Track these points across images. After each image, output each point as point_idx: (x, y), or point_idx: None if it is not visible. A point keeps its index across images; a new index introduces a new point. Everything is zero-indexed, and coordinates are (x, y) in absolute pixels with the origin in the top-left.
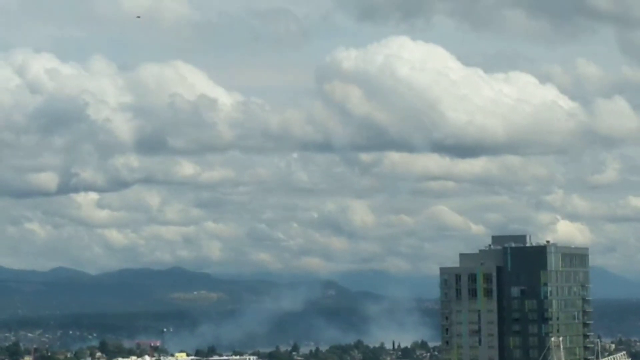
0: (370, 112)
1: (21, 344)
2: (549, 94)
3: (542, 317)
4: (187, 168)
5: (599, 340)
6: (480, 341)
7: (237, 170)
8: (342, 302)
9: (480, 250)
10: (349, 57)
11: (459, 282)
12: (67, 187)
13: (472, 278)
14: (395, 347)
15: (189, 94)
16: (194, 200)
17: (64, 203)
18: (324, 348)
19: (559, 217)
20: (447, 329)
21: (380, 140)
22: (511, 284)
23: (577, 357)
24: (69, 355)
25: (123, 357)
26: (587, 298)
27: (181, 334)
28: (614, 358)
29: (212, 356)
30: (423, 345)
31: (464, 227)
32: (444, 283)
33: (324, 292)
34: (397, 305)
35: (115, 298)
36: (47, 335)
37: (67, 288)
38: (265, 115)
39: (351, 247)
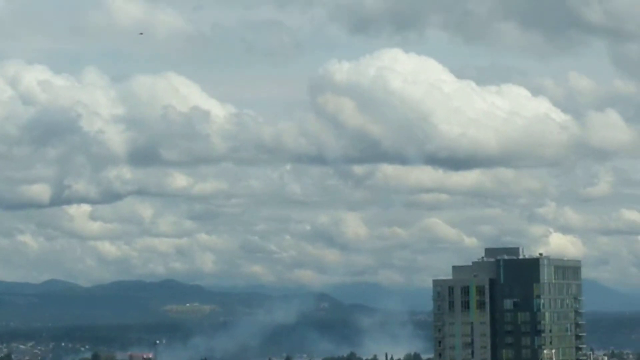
0: (363, 125)
1: (14, 356)
2: (542, 106)
3: (535, 330)
4: (179, 180)
5: (591, 352)
6: (473, 353)
7: (230, 182)
8: (335, 315)
9: (473, 263)
10: (341, 70)
11: (452, 295)
12: (60, 199)
13: (465, 290)
14: (388, 359)
15: (182, 105)
16: (187, 212)
17: (56, 215)
18: None
19: (551, 229)
20: (440, 342)
21: (373, 152)
22: (504, 296)
23: None
24: None
25: None
26: (579, 310)
27: (174, 346)
28: None
29: None
30: (416, 357)
31: (457, 239)
32: (437, 295)
33: (317, 304)
34: (390, 318)
35: (108, 310)
36: (39, 348)
37: (59, 300)
38: (258, 127)
39: (344, 260)
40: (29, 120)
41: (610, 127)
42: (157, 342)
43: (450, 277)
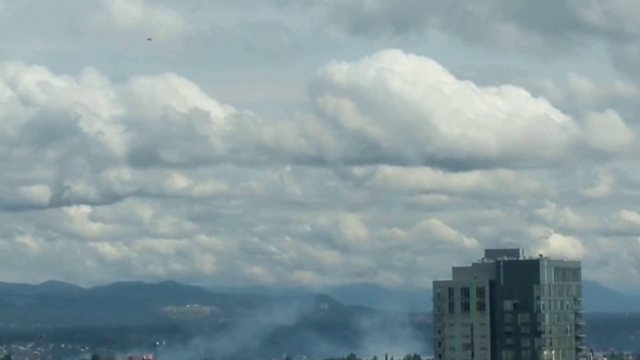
0: (362, 126)
1: (13, 357)
2: (542, 107)
3: (535, 331)
4: (179, 181)
5: (591, 354)
6: (473, 355)
7: (230, 183)
8: (335, 316)
9: (473, 264)
10: (340, 71)
11: (451, 296)
12: (60, 200)
13: (465, 292)
14: None
15: (182, 106)
16: (187, 214)
17: (56, 216)
18: None
19: (551, 230)
20: (440, 343)
21: (373, 153)
22: (504, 297)
23: None
24: None
25: None
26: (579, 312)
27: (174, 348)
28: None
29: None
30: (416, 359)
31: (457, 240)
32: (437, 297)
33: (316, 305)
34: (390, 319)
35: (108, 311)
36: (39, 349)
37: (59, 301)
38: (258, 129)
39: (344, 261)
40: (29, 121)
41: (610, 128)
42: (157, 343)
43: (450, 279)
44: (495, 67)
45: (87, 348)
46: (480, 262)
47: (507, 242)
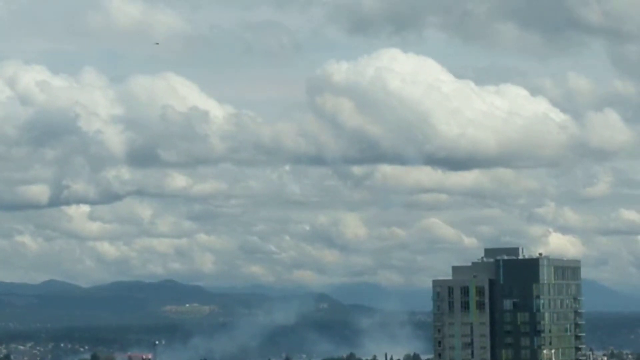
0: (361, 125)
1: (12, 357)
2: (541, 106)
3: (535, 330)
4: (178, 180)
5: (591, 353)
6: (472, 354)
7: (229, 182)
8: (334, 315)
9: (472, 263)
10: (339, 70)
11: (451, 295)
12: (59, 200)
13: (465, 291)
14: (388, 359)
15: (181, 106)
16: (186, 213)
17: (55, 216)
18: None
19: (551, 229)
20: (439, 342)
21: (372, 153)
22: (503, 296)
23: None
24: None
25: None
26: (579, 311)
27: (173, 347)
28: None
29: None
30: (415, 358)
31: (457, 239)
32: (437, 296)
33: (316, 305)
34: (390, 318)
35: (107, 311)
36: (38, 348)
37: (58, 301)
38: (257, 128)
39: (343, 260)
40: (27, 121)
41: (609, 127)
42: (157, 342)
43: (449, 278)
44: (495, 66)
45: (86, 347)
46: (479, 261)
47: (506, 241)
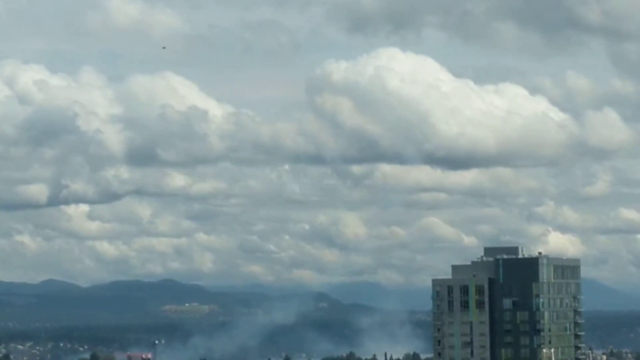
0: (361, 124)
1: (12, 357)
2: (540, 105)
3: (534, 329)
4: (178, 180)
5: (590, 351)
6: (472, 353)
7: (229, 182)
8: (334, 315)
9: (472, 262)
10: (338, 69)
11: (451, 294)
12: (58, 199)
13: (464, 290)
14: (387, 359)
15: (180, 105)
16: (185, 212)
17: (54, 215)
18: None
19: (550, 229)
20: (439, 341)
21: (371, 152)
22: (503, 295)
23: None
24: None
25: None
26: (578, 310)
27: (173, 347)
28: None
29: None
30: (415, 357)
31: (456, 238)
32: (436, 295)
33: (316, 304)
34: (390, 318)
35: (107, 310)
36: (37, 348)
37: (58, 300)
38: (256, 127)
39: (343, 259)
40: (26, 120)
41: (608, 127)
42: (156, 342)
43: (449, 277)
44: (494, 65)
45: (85, 347)
46: (479, 260)
47: (506, 240)
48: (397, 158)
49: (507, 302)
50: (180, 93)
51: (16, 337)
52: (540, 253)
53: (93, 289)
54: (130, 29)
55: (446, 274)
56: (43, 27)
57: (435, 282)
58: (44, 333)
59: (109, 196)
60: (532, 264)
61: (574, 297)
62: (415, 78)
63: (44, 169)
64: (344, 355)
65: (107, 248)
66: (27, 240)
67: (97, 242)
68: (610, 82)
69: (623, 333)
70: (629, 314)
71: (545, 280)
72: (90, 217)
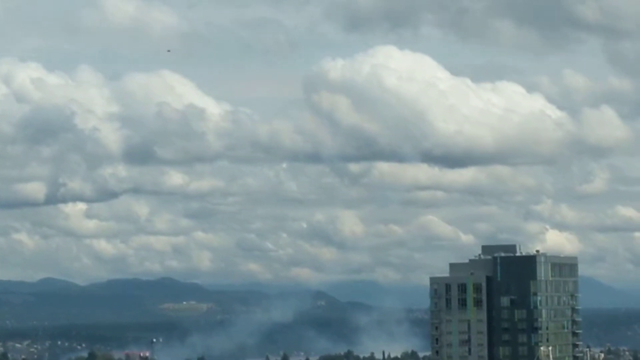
0: (358, 122)
1: (9, 355)
2: (537, 103)
3: (532, 327)
4: (175, 178)
5: (588, 349)
6: (470, 351)
7: (226, 180)
8: (332, 313)
9: (470, 260)
10: (335, 67)
11: (448, 292)
12: (55, 198)
13: (462, 288)
14: (385, 357)
15: (177, 103)
16: (183, 211)
17: (52, 213)
18: (314, 358)
19: (548, 226)
20: (437, 339)
21: (369, 150)
22: (501, 293)
23: None
24: None
25: None
26: (576, 307)
27: (171, 345)
28: None
29: None
30: (413, 355)
31: (454, 237)
32: (434, 293)
33: (313, 302)
34: (387, 316)
35: (105, 309)
36: (35, 346)
37: (55, 299)
38: (253, 125)
39: (341, 258)
40: (23, 118)
41: (605, 124)
42: (154, 340)
43: (447, 275)
44: (491, 63)
45: (83, 345)
46: (477, 258)
47: (503, 238)
48: (395, 156)
49: (504, 300)
50: (178, 91)
51: (14, 336)
52: (537, 251)
53: (91, 287)
54: (127, 27)
55: (444, 272)
56: (40, 25)
57: (433, 280)
58: (41, 331)
59: (107, 194)
60: (530, 262)
61: (572, 295)
62: (412, 76)
63: (42, 167)
64: (342, 353)
65: (104, 246)
66: (25, 239)
67: (95, 241)
68: (608, 80)
69: (621, 331)
70: (627, 312)
71: (542, 278)
72: (88, 215)
